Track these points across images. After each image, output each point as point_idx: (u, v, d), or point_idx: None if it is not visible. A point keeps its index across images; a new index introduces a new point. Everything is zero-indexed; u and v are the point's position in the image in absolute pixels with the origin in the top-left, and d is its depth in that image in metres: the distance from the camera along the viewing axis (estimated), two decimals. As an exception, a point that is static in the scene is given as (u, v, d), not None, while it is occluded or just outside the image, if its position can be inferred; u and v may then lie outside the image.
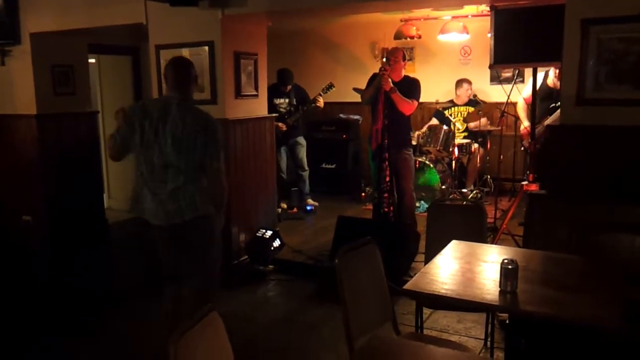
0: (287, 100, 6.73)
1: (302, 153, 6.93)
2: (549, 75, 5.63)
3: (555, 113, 5.27)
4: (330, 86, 6.72)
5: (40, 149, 5.86)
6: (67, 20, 5.41)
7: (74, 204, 6.11)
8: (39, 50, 5.75)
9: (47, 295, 4.81)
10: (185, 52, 4.91)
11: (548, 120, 5.36)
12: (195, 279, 3.40)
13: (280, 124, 6.53)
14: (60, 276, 5.25)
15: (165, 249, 3.41)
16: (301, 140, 6.93)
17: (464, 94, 7.04)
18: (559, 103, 5.31)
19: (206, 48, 4.81)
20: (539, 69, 5.16)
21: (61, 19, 5.46)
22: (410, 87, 5.14)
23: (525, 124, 5.80)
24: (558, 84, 5.52)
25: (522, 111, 5.83)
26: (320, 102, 6.70)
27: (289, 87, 6.71)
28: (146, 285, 4.97)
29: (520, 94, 5.82)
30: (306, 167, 6.99)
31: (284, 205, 6.79)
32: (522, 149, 6.02)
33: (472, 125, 6.88)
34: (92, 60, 6.84)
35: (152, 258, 3.64)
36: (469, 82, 7.07)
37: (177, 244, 3.35)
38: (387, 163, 5.01)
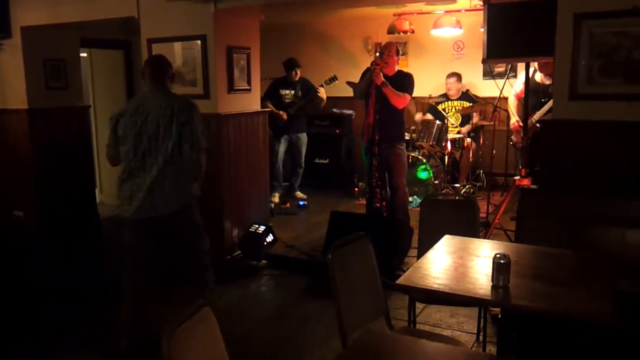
0: (292, 92, 6.78)
1: (303, 150, 6.97)
2: (536, 71, 5.64)
3: (543, 108, 5.29)
4: (333, 78, 6.73)
5: (31, 144, 5.83)
6: (59, 13, 5.37)
7: (66, 199, 6.08)
8: (30, 44, 5.71)
9: (39, 290, 4.78)
10: (177, 46, 4.89)
11: (536, 116, 5.37)
12: (190, 270, 3.66)
13: (281, 112, 6.56)
14: (52, 272, 5.23)
15: (153, 243, 3.53)
16: (303, 137, 6.97)
17: (453, 86, 7.03)
18: (547, 98, 5.35)
19: (198, 42, 4.79)
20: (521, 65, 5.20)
21: (52, 13, 5.41)
22: (403, 81, 5.13)
23: (514, 118, 5.82)
24: (545, 79, 5.54)
25: (512, 106, 5.85)
26: (322, 93, 6.72)
27: (298, 74, 6.73)
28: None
29: (512, 87, 5.83)
30: (303, 165, 7.03)
31: (276, 199, 6.78)
32: (511, 143, 6.03)
33: (464, 129, 6.88)
34: (84, 55, 6.80)
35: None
36: (457, 76, 7.05)
37: (167, 236, 3.52)
38: (376, 158, 5.00)
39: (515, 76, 6.60)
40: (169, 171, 3.42)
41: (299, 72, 6.80)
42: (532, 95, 5.51)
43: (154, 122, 3.39)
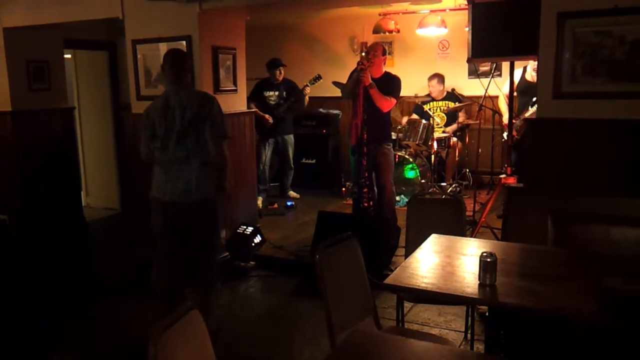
0: (276, 93, 6.73)
1: (291, 151, 6.96)
2: (527, 70, 5.68)
3: (534, 107, 5.31)
4: (318, 77, 6.71)
5: (15, 146, 5.77)
6: (42, 14, 5.32)
7: (51, 202, 6.03)
8: (13, 46, 5.66)
9: (25, 294, 4.73)
10: (162, 47, 4.86)
11: (527, 114, 5.39)
12: (200, 253, 3.78)
13: (267, 116, 6.52)
14: (37, 275, 5.17)
15: (171, 223, 3.73)
16: (290, 138, 6.94)
17: (435, 88, 7.04)
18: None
19: (184, 43, 4.77)
20: (517, 63, 5.19)
21: (35, 13, 5.36)
22: (390, 84, 5.12)
23: (504, 118, 5.85)
24: (536, 77, 5.57)
25: (503, 105, 5.88)
26: (308, 93, 6.70)
27: (282, 74, 6.69)
28: (125, 283, 4.95)
29: (501, 89, 5.86)
30: (292, 166, 7.04)
31: (259, 204, 6.69)
32: (503, 140, 6.06)
33: (450, 129, 6.91)
34: (67, 56, 6.74)
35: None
36: (439, 77, 7.04)
37: (185, 220, 3.69)
38: (365, 158, 5.01)
39: (500, 75, 6.63)
40: (194, 164, 3.59)
41: (282, 72, 6.75)
42: (523, 93, 5.55)
43: (179, 117, 3.57)
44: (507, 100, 5.80)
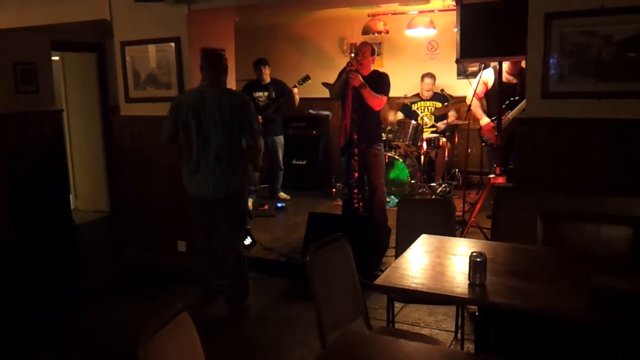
0: (265, 94, 6.71)
1: (280, 152, 6.95)
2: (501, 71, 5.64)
3: (518, 106, 5.33)
4: (306, 78, 6.70)
5: (3, 149, 5.73)
6: (29, 16, 5.29)
7: (40, 206, 5.99)
8: (0, 48, 5.61)
9: (14, 296, 4.70)
10: (151, 49, 4.85)
11: (510, 115, 5.40)
12: (231, 239, 4.14)
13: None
14: (26, 278, 5.14)
15: (209, 216, 4.08)
16: (280, 139, 6.93)
17: (429, 87, 7.06)
18: (517, 97, 5.38)
19: (172, 44, 4.75)
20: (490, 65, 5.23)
21: (22, 15, 5.32)
22: (379, 82, 5.11)
23: (483, 121, 5.80)
24: (511, 78, 5.56)
25: (476, 108, 5.81)
26: (296, 94, 6.69)
27: (267, 73, 6.68)
28: (115, 286, 4.92)
29: (469, 92, 5.80)
30: (282, 167, 7.03)
31: (250, 205, 6.66)
32: (483, 145, 6.04)
33: (440, 124, 6.92)
34: (55, 58, 6.70)
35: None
36: (431, 77, 7.06)
37: (221, 213, 4.04)
38: (356, 158, 5.01)
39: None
40: (228, 162, 3.87)
41: (268, 71, 6.72)
42: (499, 95, 5.53)
43: (218, 117, 3.81)
44: (479, 103, 5.80)
